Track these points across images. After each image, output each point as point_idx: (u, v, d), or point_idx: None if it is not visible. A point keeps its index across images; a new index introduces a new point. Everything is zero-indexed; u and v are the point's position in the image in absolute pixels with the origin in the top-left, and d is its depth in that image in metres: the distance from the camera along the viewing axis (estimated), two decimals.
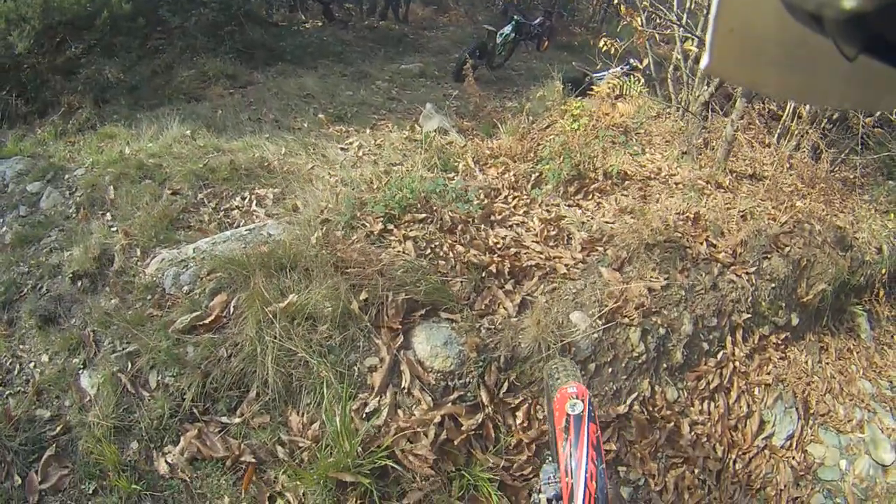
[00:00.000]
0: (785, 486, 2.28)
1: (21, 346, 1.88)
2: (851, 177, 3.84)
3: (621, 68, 3.64)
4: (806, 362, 2.64)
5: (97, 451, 1.61)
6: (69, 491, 1.65)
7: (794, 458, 2.39)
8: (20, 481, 1.65)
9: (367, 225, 2.14)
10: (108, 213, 2.24)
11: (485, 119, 3.76)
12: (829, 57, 0.27)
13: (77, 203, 2.29)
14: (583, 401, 1.09)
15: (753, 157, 3.50)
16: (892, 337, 3.38)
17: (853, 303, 3.08)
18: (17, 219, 2.27)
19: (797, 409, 2.45)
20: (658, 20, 3.30)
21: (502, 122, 3.46)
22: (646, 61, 3.27)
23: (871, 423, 2.73)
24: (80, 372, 1.75)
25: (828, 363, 2.81)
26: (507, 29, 4.92)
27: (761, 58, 0.34)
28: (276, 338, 1.60)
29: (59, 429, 1.68)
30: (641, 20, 3.54)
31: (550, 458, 1.31)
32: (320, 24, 6.13)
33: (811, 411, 2.56)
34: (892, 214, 3.48)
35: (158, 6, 3.48)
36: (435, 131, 3.46)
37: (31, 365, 1.82)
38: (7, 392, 1.77)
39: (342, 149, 3.19)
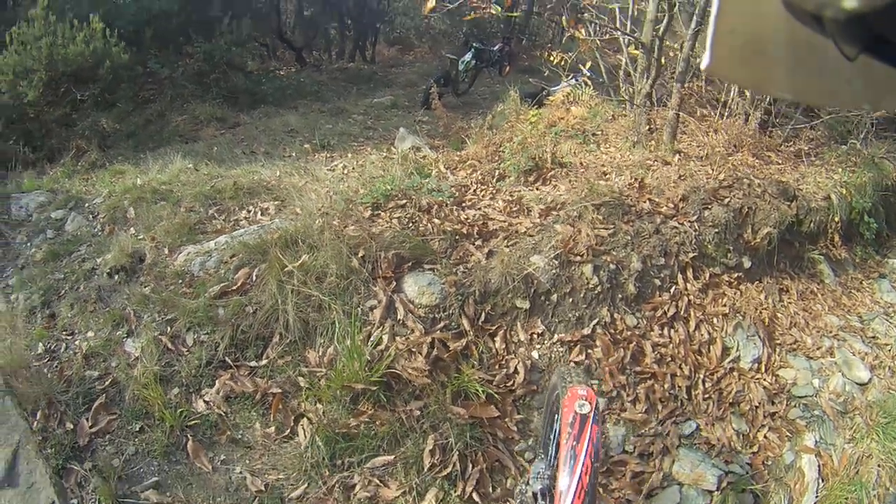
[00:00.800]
0: (760, 403, 2.89)
1: (65, 332, 2.58)
2: (806, 149, 4.79)
3: (574, 78, 4.70)
4: (766, 300, 3.37)
5: (143, 396, 2.25)
6: (117, 432, 2.23)
7: (764, 379, 3.02)
8: (72, 427, 2.23)
9: (359, 212, 2.95)
10: (131, 228, 3.02)
11: (453, 136, 4.78)
12: (830, 57, 0.31)
13: (102, 223, 3.08)
14: (590, 403, 1.34)
15: (706, 142, 4.44)
16: (861, 283, 4.13)
17: (809, 249, 3.86)
18: (45, 241, 3.02)
19: (759, 336, 3.14)
20: (599, 29, 4.38)
21: (469, 138, 4.45)
22: (588, 65, 4.29)
23: (841, 349, 3.36)
24: (125, 339, 2.44)
25: (790, 303, 3.52)
26: (468, 56, 6.07)
27: (762, 58, 0.38)
28: (294, 286, 2.34)
29: (107, 383, 2.32)
30: (588, 31, 4.65)
31: (543, 456, 1.62)
32: (293, 69, 7.40)
33: (777, 342, 3.24)
34: (840, 169, 4.37)
35: (148, 58, 4.52)
36: (409, 149, 4.42)
37: (77, 342, 2.50)
38: (57, 362, 2.44)
39: (329, 170, 4.12)
